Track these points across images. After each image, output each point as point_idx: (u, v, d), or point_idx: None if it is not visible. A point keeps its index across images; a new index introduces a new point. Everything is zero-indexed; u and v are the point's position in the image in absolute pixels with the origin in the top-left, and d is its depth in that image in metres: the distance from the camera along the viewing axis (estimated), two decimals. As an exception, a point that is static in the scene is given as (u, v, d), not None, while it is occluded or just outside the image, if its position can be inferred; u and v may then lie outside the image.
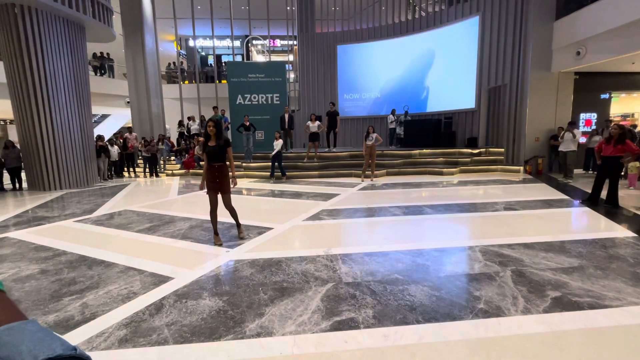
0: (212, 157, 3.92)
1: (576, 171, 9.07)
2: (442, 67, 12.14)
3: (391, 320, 2.30)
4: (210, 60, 22.71)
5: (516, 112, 9.91)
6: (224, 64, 18.40)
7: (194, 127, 12.73)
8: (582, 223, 4.84)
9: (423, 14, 12.86)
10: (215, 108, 12.31)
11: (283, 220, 4.97)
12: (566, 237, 3.95)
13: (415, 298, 2.59)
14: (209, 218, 4.11)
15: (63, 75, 8.61)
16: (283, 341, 2.10)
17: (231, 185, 4.07)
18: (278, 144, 8.96)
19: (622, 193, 5.82)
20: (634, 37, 7.03)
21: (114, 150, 11.32)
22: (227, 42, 22.60)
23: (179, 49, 18.17)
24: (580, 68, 8.83)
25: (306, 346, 2.05)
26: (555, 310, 2.36)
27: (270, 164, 9.37)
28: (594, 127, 9.79)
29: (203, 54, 24.11)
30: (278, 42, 24.09)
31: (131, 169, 12.35)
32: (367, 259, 3.42)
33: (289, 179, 9.37)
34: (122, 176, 11.96)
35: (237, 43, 21.45)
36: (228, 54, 22.41)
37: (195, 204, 6.57)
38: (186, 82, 17.57)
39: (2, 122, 19.78)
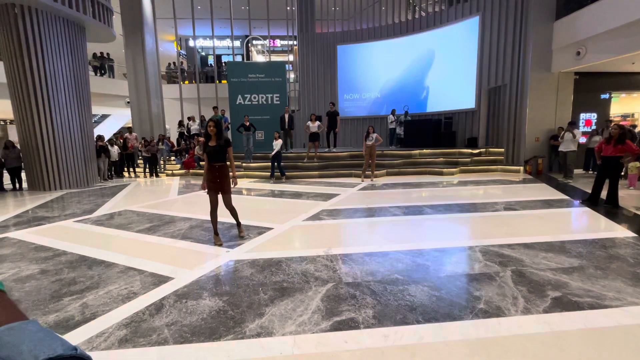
0: (212, 157, 3.92)
1: (576, 171, 9.07)
2: (442, 67, 12.14)
3: (391, 320, 2.30)
4: (210, 60, 22.71)
5: (516, 112, 9.91)
6: (224, 64, 18.40)
7: (194, 127, 12.72)
8: (582, 223, 4.84)
9: (423, 14, 12.86)
10: (215, 108, 12.31)
11: (283, 221, 4.97)
12: (566, 237, 3.95)
13: (415, 298, 2.59)
14: (209, 218, 4.11)
15: (63, 75, 8.61)
16: (283, 341, 2.10)
17: (232, 185, 4.08)
18: (277, 144, 8.96)
19: (622, 193, 5.81)
20: (634, 37, 7.03)
21: (114, 151, 11.32)
22: (227, 42, 22.60)
23: (179, 49, 18.18)
24: (580, 68, 8.83)
25: (306, 346, 2.05)
26: (555, 310, 2.36)
27: (270, 164, 9.37)
28: (594, 127, 9.79)
29: (203, 54, 24.11)
30: (278, 42, 24.09)
31: (131, 169, 12.35)
32: (367, 259, 3.42)
33: (289, 179, 9.37)
34: (122, 176, 11.96)
35: (237, 43, 21.45)
36: (228, 54, 22.41)
37: (195, 204, 6.57)
38: (186, 82, 17.58)
39: (2, 122, 19.78)
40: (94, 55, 15.63)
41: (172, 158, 12.67)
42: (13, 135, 15.67)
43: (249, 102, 12.12)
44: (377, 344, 2.05)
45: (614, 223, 4.55)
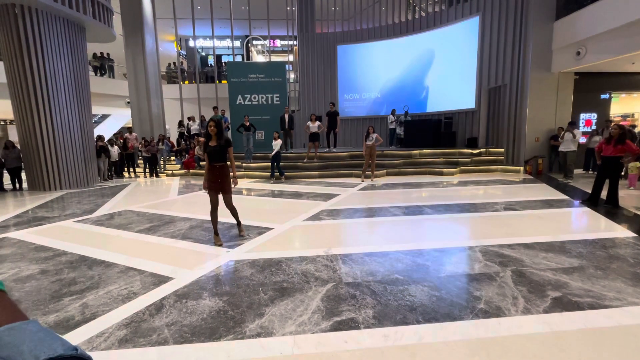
0: (213, 157, 3.92)
1: (576, 171, 9.07)
2: (442, 67, 12.14)
3: (391, 320, 2.30)
4: (211, 60, 22.72)
5: (516, 112, 9.91)
6: (224, 64, 18.41)
7: (194, 127, 12.73)
8: (582, 223, 4.84)
9: (423, 14, 12.86)
10: (215, 108, 12.32)
11: (283, 221, 4.97)
12: (566, 237, 3.95)
13: (415, 298, 2.59)
14: (209, 218, 4.11)
15: (63, 75, 8.61)
16: (283, 341, 2.10)
17: (232, 185, 4.09)
18: (277, 144, 8.94)
19: (622, 193, 5.81)
20: (634, 37, 7.03)
21: (114, 151, 11.32)
22: (227, 43, 22.60)
23: (179, 49, 18.18)
24: (581, 68, 8.83)
25: (306, 346, 2.05)
26: (555, 310, 2.36)
27: (270, 164, 9.37)
28: (594, 127, 9.79)
29: (203, 54, 24.12)
30: (278, 43, 24.09)
31: (131, 169, 12.35)
32: (367, 259, 3.42)
33: (289, 179, 9.37)
34: (122, 176, 11.96)
35: (237, 43, 21.46)
36: (228, 54, 22.41)
37: (195, 204, 6.57)
38: (186, 82, 17.59)
39: (2, 122, 19.78)
40: (94, 55, 15.63)
41: (172, 158, 12.67)
42: (13, 135, 15.68)
43: (249, 102, 12.12)
44: (377, 344, 2.05)
45: (614, 223, 4.55)
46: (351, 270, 3.14)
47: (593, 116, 10.01)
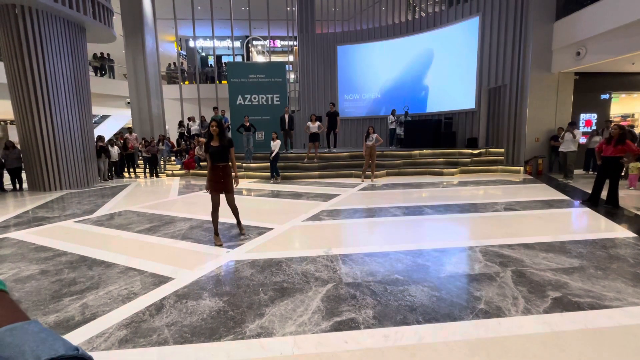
0: (216, 158, 3.92)
1: (576, 171, 9.07)
2: (442, 67, 12.14)
3: (391, 320, 2.30)
4: (211, 60, 22.73)
5: (516, 113, 9.91)
6: (224, 65, 18.42)
7: (194, 127, 12.73)
8: (582, 223, 4.84)
9: (423, 14, 12.86)
10: (215, 108, 12.33)
11: (283, 221, 4.97)
12: (566, 237, 3.95)
13: (415, 298, 2.59)
14: (209, 219, 4.11)
15: (63, 75, 8.62)
16: (283, 341, 2.10)
17: (234, 185, 4.10)
18: (276, 145, 8.89)
19: (622, 193, 5.82)
20: (634, 38, 7.03)
21: (114, 151, 11.33)
22: (227, 43, 22.62)
23: (179, 49, 18.19)
24: (580, 68, 8.83)
25: (306, 346, 2.05)
26: (555, 310, 2.36)
27: (269, 165, 9.36)
28: (594, 127, 9.79)
29: (203, 54, 24.13)
30: (278, 43, 24.10)
31: (131, 170, 12.36)
32: (367, 259, 3.43)
33: (290, 180, 9.37)
34: (123, 177, 11.96)
35: (238, 44, 21.47)
36: (228, 55, 22.43)
37: (195, 205, 6.57)
38: (186, 82, 17.60)
39: (2, 123, 19.79)
40: (94, 55, 15.64)
41: (172, 158, 12.67)
42: (13, 135, 15.69)
43: (249, 103, 12.13)
44: (378, 344, 2.05)
45: (614, 223, 4.55)
46: (351, 271, 3.14)
47: (593, 116, 10.01)
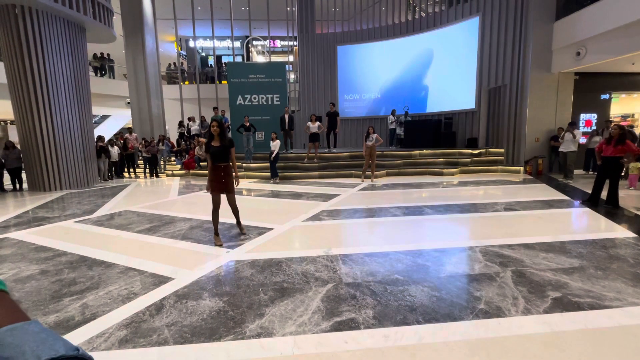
0: (217, 158, 3.92)
1: (576, 172, 9.07)
2: (442, 67, 12.14)
3: (391, 320, 2.30)
4: (211, 60, 22.74)
5: (516, 113, 9.91)
6: (224, 65, 18.42)
7: (194, 127, 12.74)
8: (582, 223, 4.84)
9: (423, 14, 12.86)
10: (215, 109, 12.34)
11: (283, 221, 4.97)
12: (566, 237, 3.95)
13: (415, 298, 2.59)
14: (209, 219, 4.11)
15: (63, 75, 8.62)
16: (283, 341, 2.10)
17: (235, 185, 4.11)
18: (276, 145, 8.86)
19: (622, 193, 5.82)
20: (634, 38, 7.03)
21: (114, 151, 11.33)
22: (227, 43, 22.63)
23: (179, 49, 18.19)
24: (581, 68, 8.83)
25: (306, 347, 2.05)
26: (555, 310, 2.36)
27: (269, 165, 9.36)
28: (594, 127, 9.79)
29: (203, 54, 24.13)
30: (278, 43, 24.11)
31: (131, 170, 12.36)
32: (367, 259, 3.43)
33: (288, 180, 9.37)
34: (123, 177, 11.96)
35: (238, 44, 21.47)
36: (228, 55, 22.43)
37: (195, 205, 6.57)
38: (186, 82, 17.60)
39: (2, 123, 19.79)
40: (94, 55, 15.65)
41: (172, 158, 12.67)
42: (13, 135, 15.69)
43: (249, 103, 12.13)
44: (378, 345, 2.05)
45: (614, 223, 4.55)
46: (351, 271, 3.14)
47: (593, 116, 10.01)
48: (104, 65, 15.95)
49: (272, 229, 4.60)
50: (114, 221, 5.37)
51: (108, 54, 16.05)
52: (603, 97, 9.97)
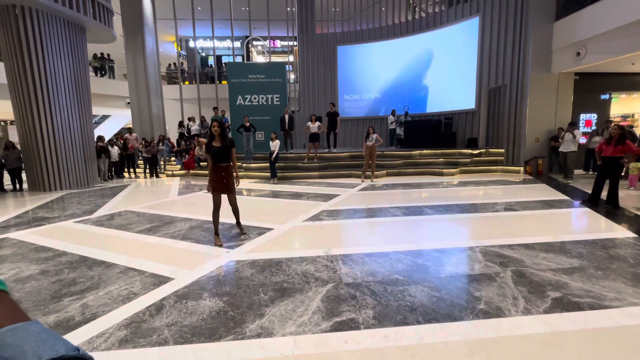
0: (218, 158, 3.92)
1: (576, 172, 9.07)
2: (442, 67, 12.15)
3: (391, 320, 2.30)
4: (211, 61, 22.74)
5: (516, 113, 9.91)
6: (224, 65, 18.42)
7: (194, 127, 12.74)
8: (582, 224, 4.84)
9: (423, 14, 12.87)
10: (215, 109, 12.34)
11: (283, 221, 4.97)
12: (566, 237, 3.95)
13: (415, 299, 2.59)
14: (209, 219, 4.12)
15: (63, 76, 8.62)
16: (283, 342, 2.10)
17: (235, 185, 4.11)
18: (275, 145, 8.85)
19: (622, 193, 5.82)
20: (634, 38, 7.03)
21: (114, 151, 11.33)
22: (227, 43, 22.63)
23: (179, 49, 18.19)
24: (580, 69, 8.83)
25: (306, 347, 2.05)
26: (555, 310, 2.37)
27: (269, 165, 9.36)
28: (594, 127, 9.79)
29: (203, 54, 24.14)
30: (278, 43, 24.11)
31: (131, 170, 12.36)
32: (367, 259, 3.43)
33: (288, 180, 9.37)
34: (123, 177, 11.97)
35: (238, 44, 21.48)
36: (228, 55, 22.43)
37: (195, 205, 6.57)
38: (186, 82, 17.60)
39: (2, 123, 19.79)
40: (94, 56, 15.65)
41: (172, 158, 12.67)
42: (13, 135, 15.69)
43: (249, 103, 12.13)
44: (378, 345, 2.05)
45: (614, 223, 4.55)
46: (351, 271, 3.14)
47: (593, 117, 10.01)
48: (104, 66, 15.95)
49: (272, 229, 4.60)
50: (114, 221, 5.37)
51: (108, 54, 16.06)
52: (603, 97, 9.98)
